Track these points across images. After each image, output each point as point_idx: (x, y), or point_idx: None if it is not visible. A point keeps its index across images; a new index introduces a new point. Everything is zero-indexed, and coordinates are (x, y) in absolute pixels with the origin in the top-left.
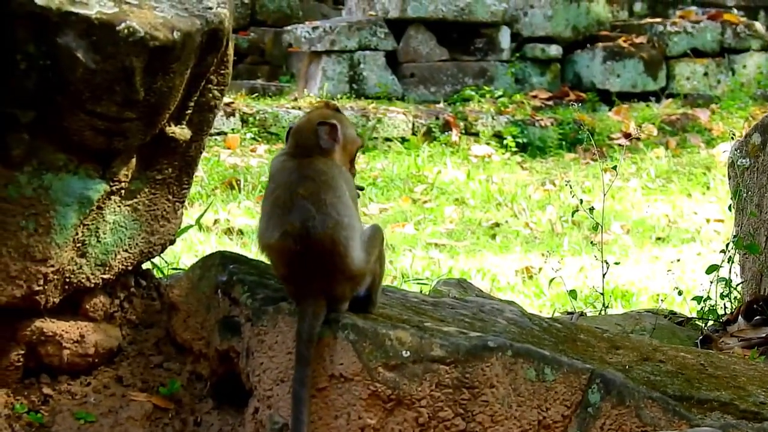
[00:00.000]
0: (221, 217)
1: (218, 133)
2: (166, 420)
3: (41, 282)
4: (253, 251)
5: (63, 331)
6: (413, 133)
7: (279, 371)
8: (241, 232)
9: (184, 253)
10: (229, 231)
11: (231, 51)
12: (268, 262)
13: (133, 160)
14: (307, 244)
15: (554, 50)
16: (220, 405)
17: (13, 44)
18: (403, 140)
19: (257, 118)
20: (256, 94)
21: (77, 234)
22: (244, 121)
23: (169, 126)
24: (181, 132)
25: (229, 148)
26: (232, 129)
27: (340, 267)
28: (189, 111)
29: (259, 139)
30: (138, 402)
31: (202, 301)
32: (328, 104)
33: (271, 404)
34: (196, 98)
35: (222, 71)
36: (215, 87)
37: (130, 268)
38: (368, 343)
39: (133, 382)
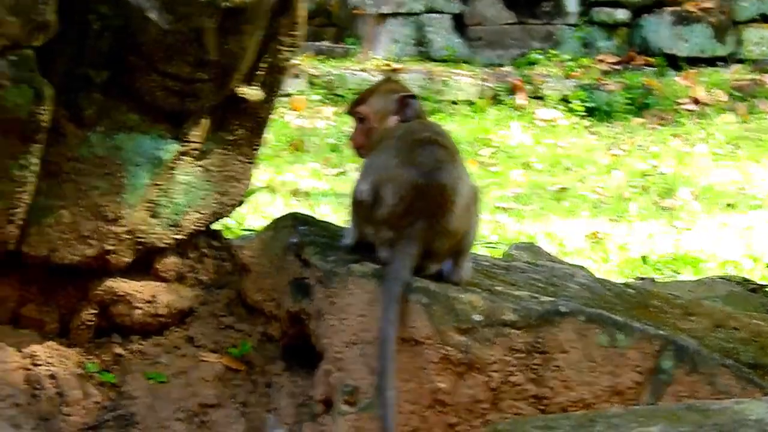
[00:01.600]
0: (287, 179)
1: (284, 95)
2: (237, 381)
3: (113, 242)
4: (317, 213)
5: (134, 291)
6: (480, 97)
7: (350, 334)
8: (307, 193)
9: (251, 214)
10: (295, 192)
11: (302, 12)
12: (354, 208)
13: (205, 121)
14: (430, 183)
15: (621, 14)
16: (291, 367)
17: (86, 4)
18: (470, 103)
19: (323, 80)
20: (322, 56)
21: (149, 194)
22: (310, 83)
23: (241, 87)
24: (252, 93)
25: (295, 110)
26: (299, 90)
27: (449, 218)
28: (260, 72)
29: (326, 101)
30: (209, 363)
31: (273, 263)
32: (390, 78)
33: (342, 367)
34: (267, 59)
35: (292, 33)
36: (286, 48)
37: (201, 228)
38: (439, 307)
39: (204, 343)
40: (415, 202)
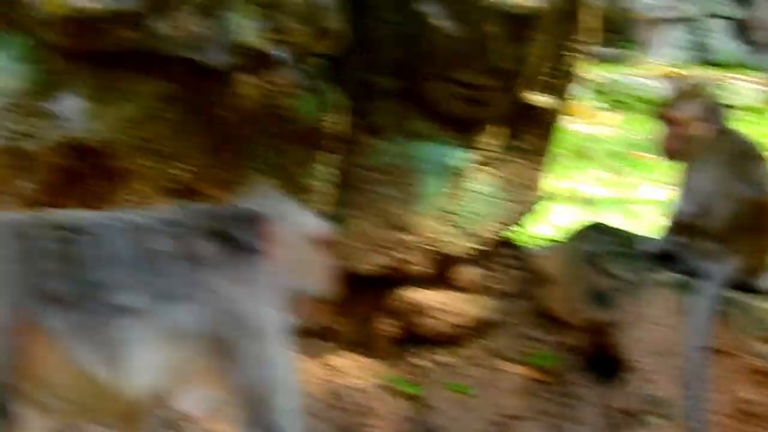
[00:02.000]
0: (571, 186)
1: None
2: (539, 391)
3: (409, 251)
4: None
5: (433, 300)
6: (764, 102)
7: (654, 344)
8: (591, 201)
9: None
10: (579, 200)
11: (591, 19)
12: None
13: (495, 128)
14: (762, 199)
15: None
16: (593, 377)
17: (377, 14)
18: (752, 109)
19: (603, 85)
20: (596, 60)
21: (442, 203)
22: (590, 89)
23: (529, 94)
24: (542, 100)
25: (576, 116)
26: (580, 96)
27: None
28: (549, 79)
29: (607, 107)
30: (510, 373)
31: (572, 272)
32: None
33: (647, 377)
34: (555, 66)
35: (580, 39)
36: (573, 55)
37: (496, 237)
38: (741, 316)
39: (506, 353)
40: (745, 217)
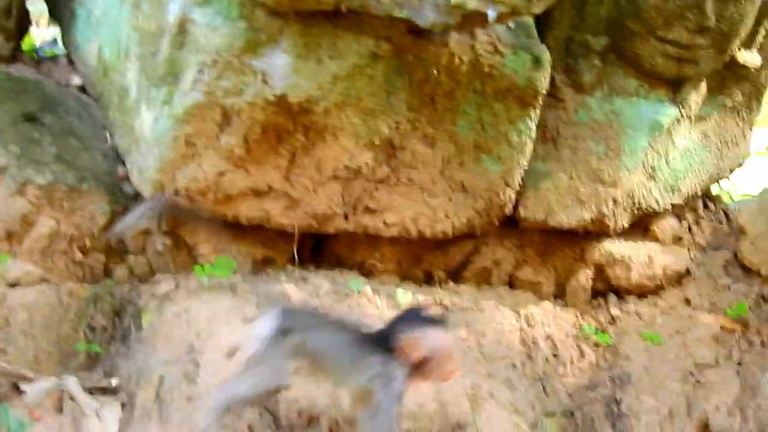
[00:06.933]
0: None
1: None
2: (732, 342)
3: (610, 205)
4: None
5: (631, 253)
6: None
7: None
8: None
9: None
10: None
11: None
12: None
13: (703, 86)
14: None
15: None
16: None
17: None
18: None
19: None
20: None
21: (647, 158)
22: None
23: (739, 53)
24: (751, 59)
25: None
26: None
27: None
28: (759, 37)
29: None
30: (705, 323)
31: None
32: None
33: None
34: (765, 25)
35: None
36: None
37: (698, 192)
38: None
39: (700, 303)
40: None
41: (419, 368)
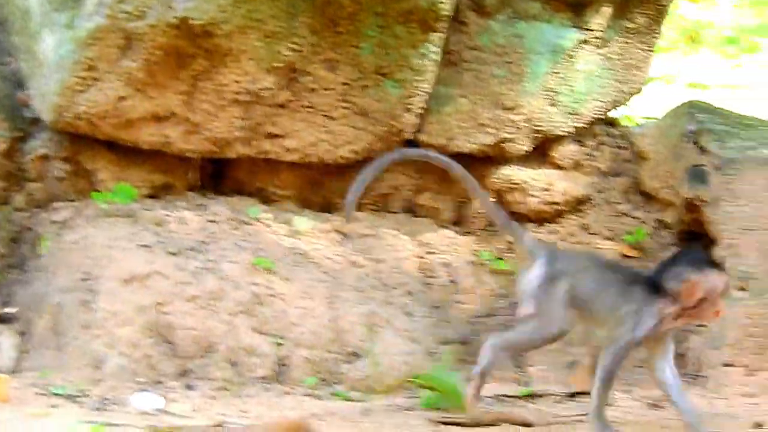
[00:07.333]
0: (683, 70)
1: None
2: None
3: (511, 130)
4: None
5: (531, 179)
6: None
7: (749, 221)
8: (702, 85)
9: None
10: (690, 84)
11: None
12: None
13: (606, 9)
14: None
15: None
16: None
17: None
18: None
19: None
20: None
21: (548, 82)
22: None
23: None
24: None
25: (691, 1)
26: None
27: None
28: None
29: None
30: (603, 249)
31: (670, 150)
32: None
33: (736, 253)
34: None
35: None
36: None
37: (600, 116)
38: None
39: (599, 230)
40: None
41: (690, 309)
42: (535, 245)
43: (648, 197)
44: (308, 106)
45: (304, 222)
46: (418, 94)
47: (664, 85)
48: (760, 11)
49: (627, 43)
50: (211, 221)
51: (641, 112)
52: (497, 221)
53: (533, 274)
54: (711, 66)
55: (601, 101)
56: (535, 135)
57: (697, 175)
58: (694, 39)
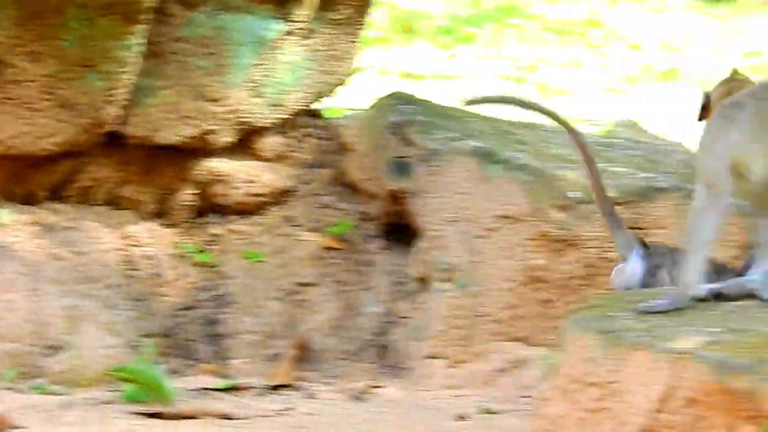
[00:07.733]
0: (396, 60)
1: None
2: (333, 259)
3: (214, 122)
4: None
5: (234, 170)
6: None
7: (449, 212)
8: (416, 75)
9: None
10: (404, 75)
11: None
12: None
13: (312, 1)
14: None
15: None
16: (389, 245)
17: None
18: None
19: None
20: None
21: (252, 74)
22: None
23: None
24: None
25: None
26: None
27: None
28: None
29: None
30: (306, 242)
31: (375, 142)
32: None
33: (440, 245)
34: None
35: None
36: None
37: (304, 108)
38: (538, 184)
39: (303, 222)
40: None
41: None
42: (629, 240)
43: (353, 189)
44: (11, 98)
45: (5, 214)
46: (121, 86)
47: (378, 75)
48: (474, 1)
49: (332, 34)
50: None
51: (352, 103)
52: (601, 210)
53: (633, 268)
54: (425, 56)
55: (305, 93)
56: (240, 127)
57: (400, 167)
58: (407, 29)
